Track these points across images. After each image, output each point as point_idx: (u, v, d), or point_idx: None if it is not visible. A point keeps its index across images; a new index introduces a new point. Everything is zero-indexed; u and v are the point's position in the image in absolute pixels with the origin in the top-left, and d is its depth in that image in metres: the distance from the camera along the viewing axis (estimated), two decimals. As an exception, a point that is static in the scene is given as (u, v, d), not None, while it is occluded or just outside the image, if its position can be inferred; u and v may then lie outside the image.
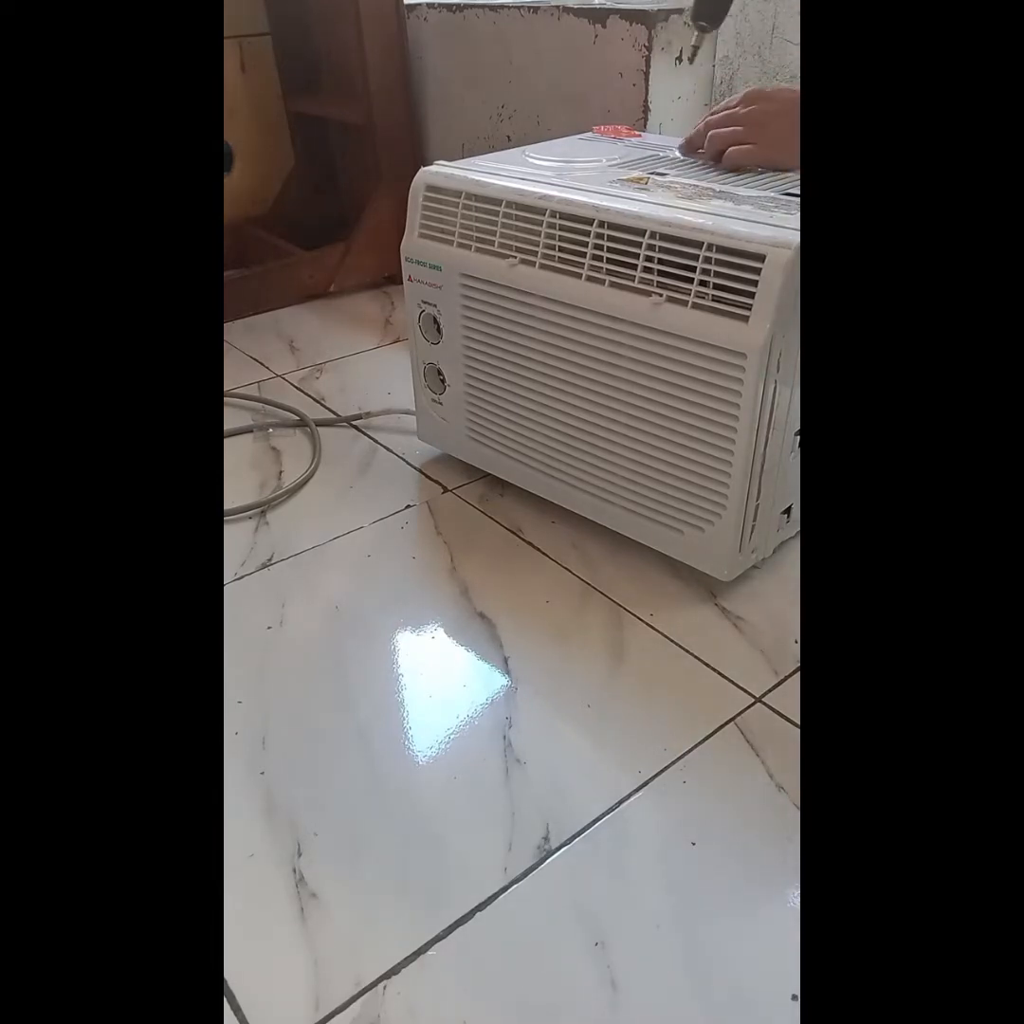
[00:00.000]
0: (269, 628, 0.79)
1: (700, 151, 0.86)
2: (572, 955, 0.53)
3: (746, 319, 0.67)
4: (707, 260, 0.68)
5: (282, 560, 0.88)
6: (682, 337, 0.71)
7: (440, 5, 1.38)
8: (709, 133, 0.84)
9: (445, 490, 0.98)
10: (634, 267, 0.73)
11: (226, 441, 1.09)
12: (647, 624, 0.78)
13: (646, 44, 1.12)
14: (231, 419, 1.14)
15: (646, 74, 1.14)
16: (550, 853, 0.59)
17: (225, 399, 1.18)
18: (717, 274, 0.68)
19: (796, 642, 0.76)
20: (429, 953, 0.54)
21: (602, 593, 0.82)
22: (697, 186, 0.78)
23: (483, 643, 0.77)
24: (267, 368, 1.28)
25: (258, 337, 1.39)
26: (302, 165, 1.65)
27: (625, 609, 0.80)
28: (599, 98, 1.21)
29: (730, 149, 0.82)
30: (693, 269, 0.69)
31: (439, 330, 0.91)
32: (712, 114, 0.86)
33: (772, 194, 0.76)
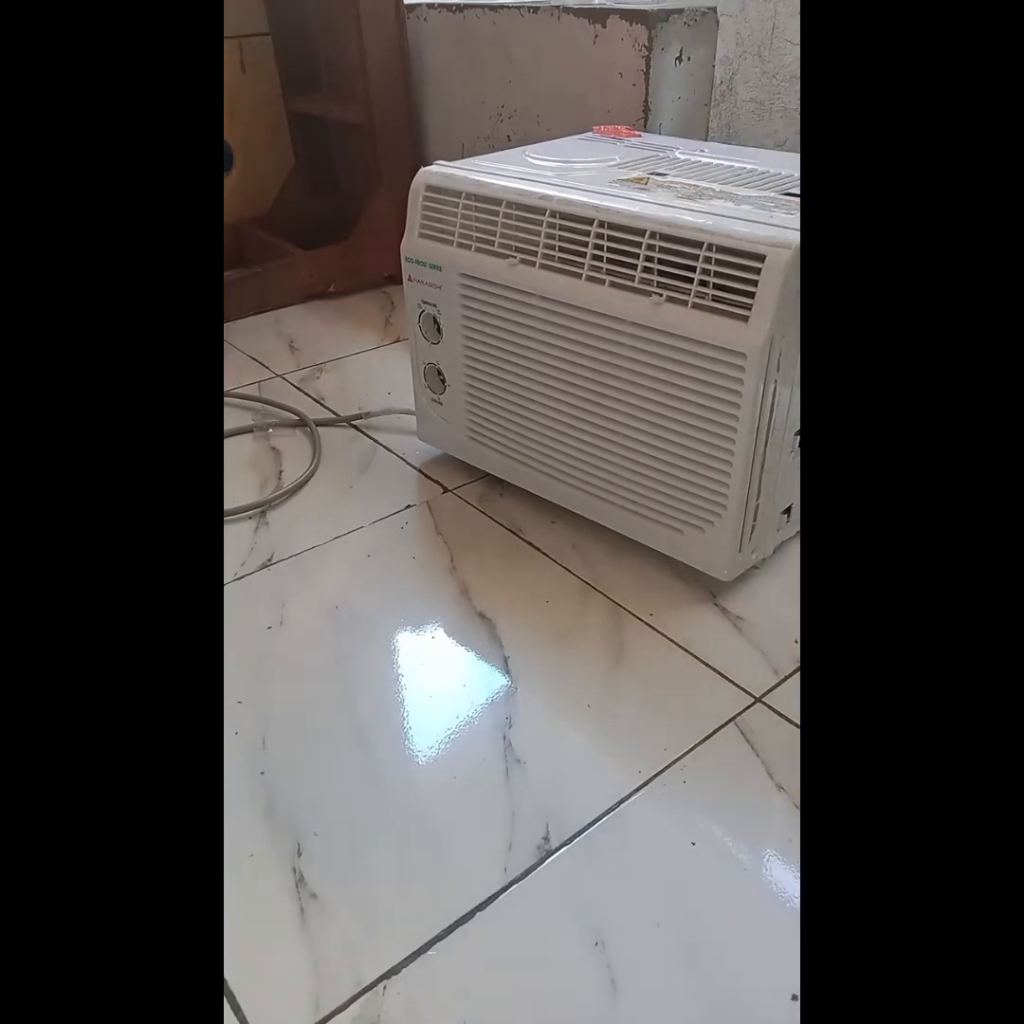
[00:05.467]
0: (269, 628, 0.79)
1: None
2: (572, 955, 0.53)
3: (746, 319, 0.67)
4: (707, 260, 0.68)
5: (282, 560, 0.88)
6: (682, 337, 0.71)
7: (440, 5, 1.38)
8: None
9: (445, 490, 0.98)
10: (634, 267, 0.73)
11: (226, 441, 1.09)
12: (647, 624, 0.78)
13: (646, 44, 1.12)
14: (231, 419, 1.14)
15: (646, 74, 1.14)
16: (550, 853, 0.59)
17: (225, 399, 1.18)
18: (717, 274, 0.68)
19: (796, 642, 0.76)
20: (429, 953, 0.54)
21: (602, 593, 0.82)
22: (697, 186, 0.78)
23: (483, 643, 0.77)
24: (267, 368, 1.28)
25: (258, 337, 1.39)
26: (302, 165, 1.65)
27: (625, 609, 0.80)
28: (599, 98, 1.21)
29: None
30: (693, 269, 0.69)
31: (439, 330, 0.91)
32: None
33: (772, 194, 0.76)
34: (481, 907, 0.56)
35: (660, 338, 0.72)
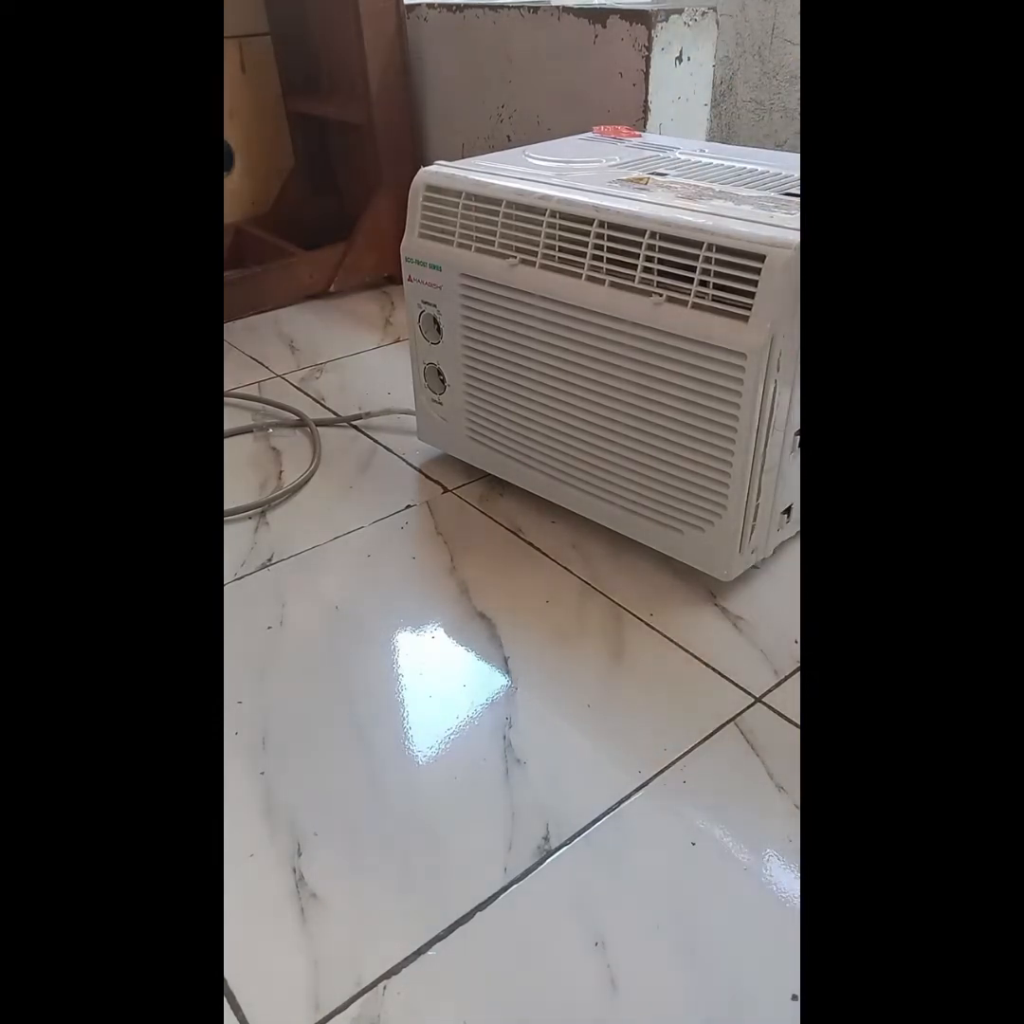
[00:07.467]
0: (269, 628, 0.79)
1: None
2: (572, 955, 0.53)
3: (746, 319, 0.67)
4: (707, 260, 0.68)
5: (282, 560, 0.88)
6: (682, 337, 0.71)
7: (440, 5, 1.38)
8: None
9: (445, 490, 0.98)
10: (634, 267, 0.73)
11: (226, 441, 1.09)
12: (647, 624, 0.78)
13: (646, 44, 1.12)
14: (231, 419, 1.14)
15: (646, 74, 1.14)
16: (550, 853, 0.59)
17: (225, 399, 1.18)
18: (717, 274, 0.68)
19: (796, 642, 0.76)
20: (429, 953, 0.54)
21: (602, 593, 0.82)
22: (697, 186, 0.78)
23: (483, 643, 0.77)
24: (267, 368, 1.28)
25: (258, 337, 1.39)
26: (302, 165, 1.65)
27: (625, 609, 0.80)
28: (599, 98, 1.21)
29: None
30: (693, 269, 0.69)
31: (439, 330, 0.91)
32: None
33: (772, 194, 0.76)
34: (481, 907, 0.56)
35: (660, 338, 0.72)
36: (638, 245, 0.72)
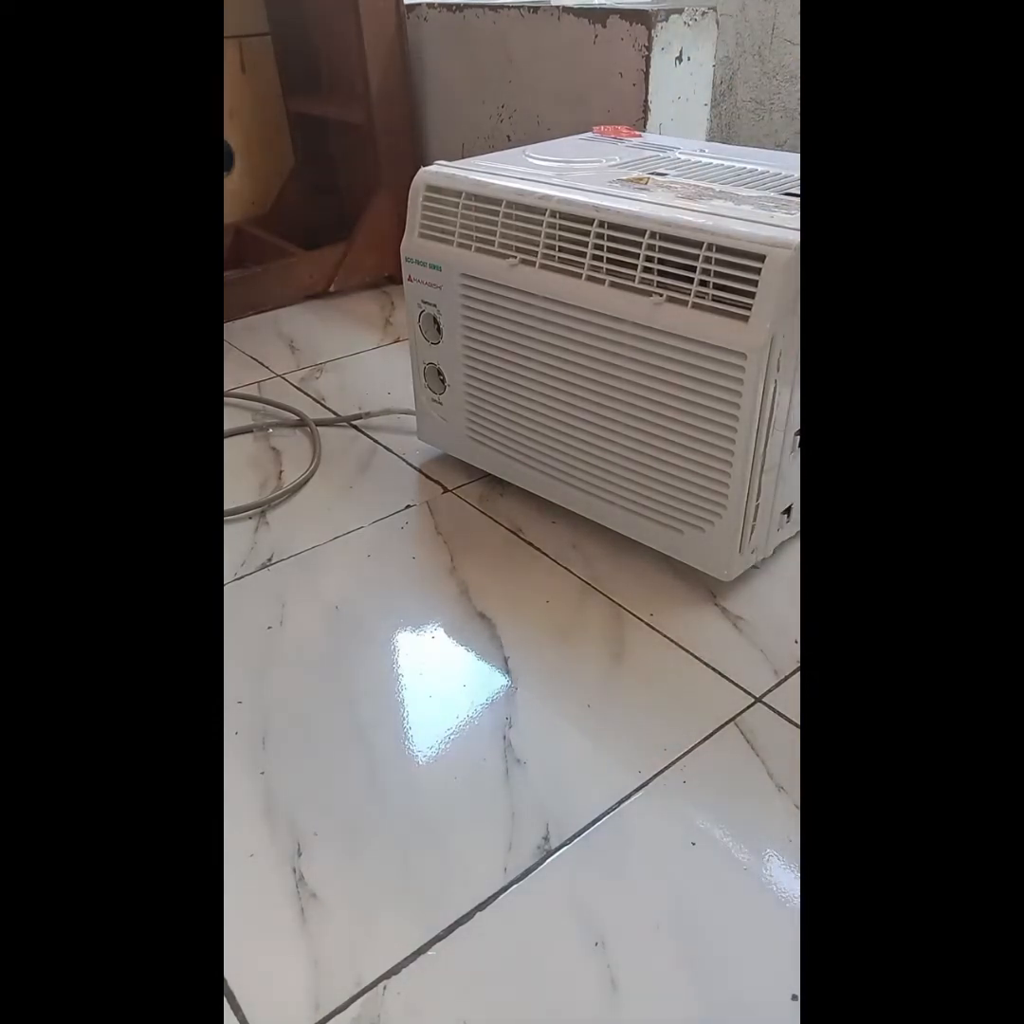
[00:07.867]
0: (269, 628, 0.79)
1: None
2: (572, 955, 0.53)
3: (746, 319, 0.67)
4: (707, 260, 0.68)
5: (282, 560, 0.88)
6: (682, 337, 0.71)
7: (440, 5, 1.38)
8: None
9: (445, 490, 0.98)
10: (634, 267, 0.73)
11: (226, 441, 1.09)
12: (647, 624, 0.78)
13: (646, 44, 1.12)
14: (231, 419, 1.14)
15: (646, 74, 1.14)
16: (550, 853, 0.59)
17: (225, 399, 1.18)
18: (717, 274, 0.68)
19: (796, 642, 0.76)
20: (429, 953, 0.54)
21: (602, 593, 0.82)
22: (697, 186, 0.78)
23: (483, 643, 0.77)
24: (267, 368, 1.28)
25: (258, 337, 1.39)
26: (302, 165, 1.65)
27: (625, 609, 0.80)
28: (599, 98, 1.21)
29: None
30: (693, 269, 0.69)
31: (439, 330, 0.91)
32: None
33: (772, 194, 0.76)
34: (481, 907, 0.56)
35: (660, 338, 0.72)
36: (638, 245, 0.72)
